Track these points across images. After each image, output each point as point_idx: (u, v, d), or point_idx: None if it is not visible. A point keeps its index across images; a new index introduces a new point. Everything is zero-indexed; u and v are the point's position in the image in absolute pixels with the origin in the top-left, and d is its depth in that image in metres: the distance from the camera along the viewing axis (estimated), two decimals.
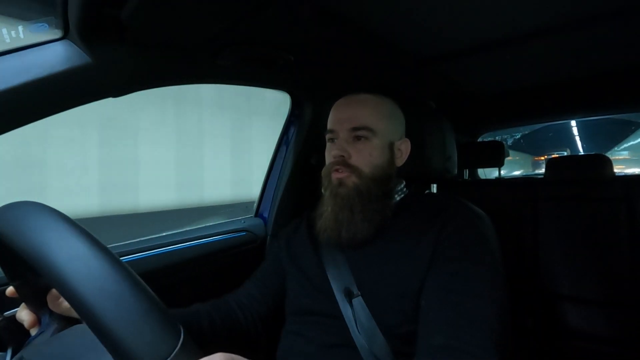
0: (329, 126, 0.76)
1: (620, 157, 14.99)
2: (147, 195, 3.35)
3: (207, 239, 1.07)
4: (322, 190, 0.76)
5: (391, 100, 0.78)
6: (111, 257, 0.30)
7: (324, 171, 0.75)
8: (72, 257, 0.29)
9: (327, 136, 0.76)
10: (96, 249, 0.30)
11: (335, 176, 0.72)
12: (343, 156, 0.71)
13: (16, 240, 0.31)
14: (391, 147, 0.74)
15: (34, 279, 0.45)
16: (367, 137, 0.71)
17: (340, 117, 0.74)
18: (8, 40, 0.62)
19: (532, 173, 8.36)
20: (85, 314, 0.27)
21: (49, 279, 0.29)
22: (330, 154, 0.74)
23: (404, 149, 0.76)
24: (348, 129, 0.72)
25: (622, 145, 16.39)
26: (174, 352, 0.26)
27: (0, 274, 0.59)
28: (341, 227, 0.70)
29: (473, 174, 2.08)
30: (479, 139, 2.01)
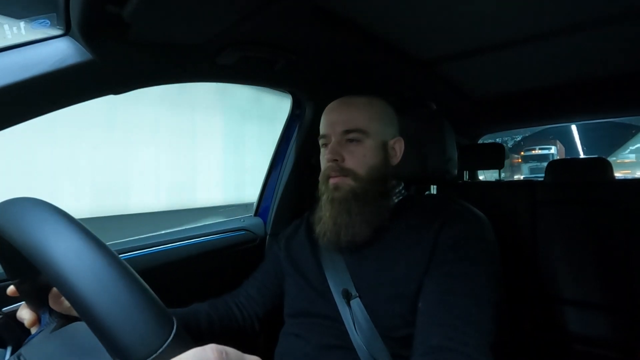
0: (321, 131, 0.76)
1: (627, 161, 14.30)
2: None
3: (207, 237, 1.07)
4: (319, 195, 0.76)
5: (381, 100, 0.78)
6: (108, 253, 0.30)
7: (321, 177, 0.75)
8: (71, 254, 0.29)
9: (321, 141, 0.76)
10: (95, 246, 0.30)
11: (331, 182, 0.72)
12: (337, 160, 0.71)
13: (15, 236, 0.31)
14: (385, 146, 0.74)
15: (35, 277, 0.45)
16: (360, 139, 0.71)
17: (331, 121, 0.74)
18: (10, 36, 0.62)
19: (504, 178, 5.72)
20: (79, 305, 0.27)
21: (48, 276, 0.29)
22: (324, 159, 0.74)
23: (397, 147, 0.76)
24: (340, 132, 0.72)
25: (629, 147, 15.47)
26: (167, 343, 0.26)
27: (0, 270, 0.59)
28: (340, 230, 0.70)
29: (473, 175, 2.08)
30: (480, 141, 2.01)
